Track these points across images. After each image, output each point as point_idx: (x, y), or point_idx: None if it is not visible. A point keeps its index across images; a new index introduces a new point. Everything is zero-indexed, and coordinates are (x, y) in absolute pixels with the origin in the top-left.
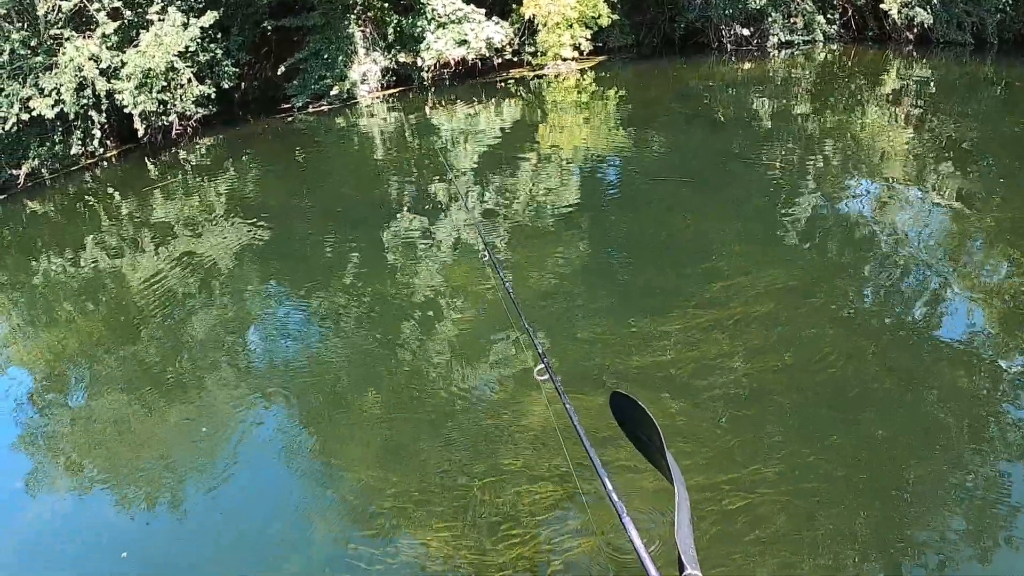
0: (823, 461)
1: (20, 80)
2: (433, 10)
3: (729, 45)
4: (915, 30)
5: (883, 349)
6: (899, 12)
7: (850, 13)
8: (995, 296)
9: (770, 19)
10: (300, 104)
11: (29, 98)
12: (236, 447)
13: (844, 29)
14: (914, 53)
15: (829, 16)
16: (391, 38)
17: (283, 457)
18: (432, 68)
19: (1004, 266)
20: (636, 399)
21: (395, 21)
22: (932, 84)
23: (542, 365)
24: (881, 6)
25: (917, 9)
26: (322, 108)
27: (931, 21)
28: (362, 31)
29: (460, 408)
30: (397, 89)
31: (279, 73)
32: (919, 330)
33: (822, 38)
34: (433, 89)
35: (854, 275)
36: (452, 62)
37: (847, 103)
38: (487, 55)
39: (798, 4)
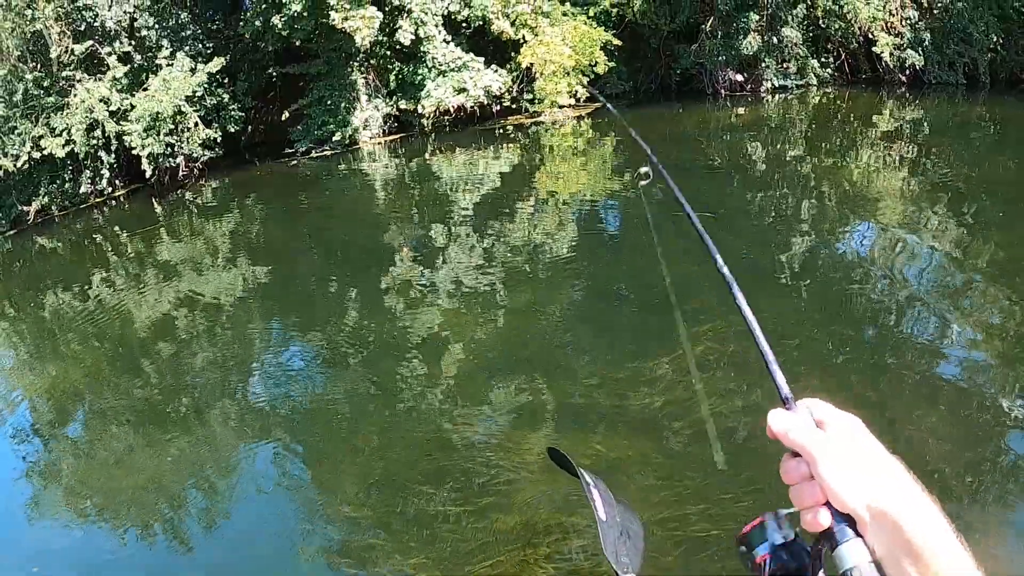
0: None
1: (32, 119)
2: (434, 59)
3: (723, 91)
4: (907, 72)
5: (874, 390)
6: (891, 55)
7: (843, 56)
8: (991, 336)
9: (763, 64)
10: (303, 149)
11: (41, 137)
12: (235, 482)
13: (837, 72)
14: (907, 94)
15: (822, 60)
16: (393, 85)
17: (281, 494)
18: (432, 115)
19: (1000, 307)
20: (566, 456)
21: (397, 69)
22: (925, 125)
23: None
24: (874, 49)
25: (909, 51)
26: (325, 153)
27: (923, 63)
28: (365, 79)
29: (459, 448)
30: (398, 135)
31: (283, 118)
32: (913, 370)
33: (816, 81)
34: (433, 135)
35: (844, 317)
36: (451, 109)
37: (841, 145)
38: (486, 103)
39: (791, 49)
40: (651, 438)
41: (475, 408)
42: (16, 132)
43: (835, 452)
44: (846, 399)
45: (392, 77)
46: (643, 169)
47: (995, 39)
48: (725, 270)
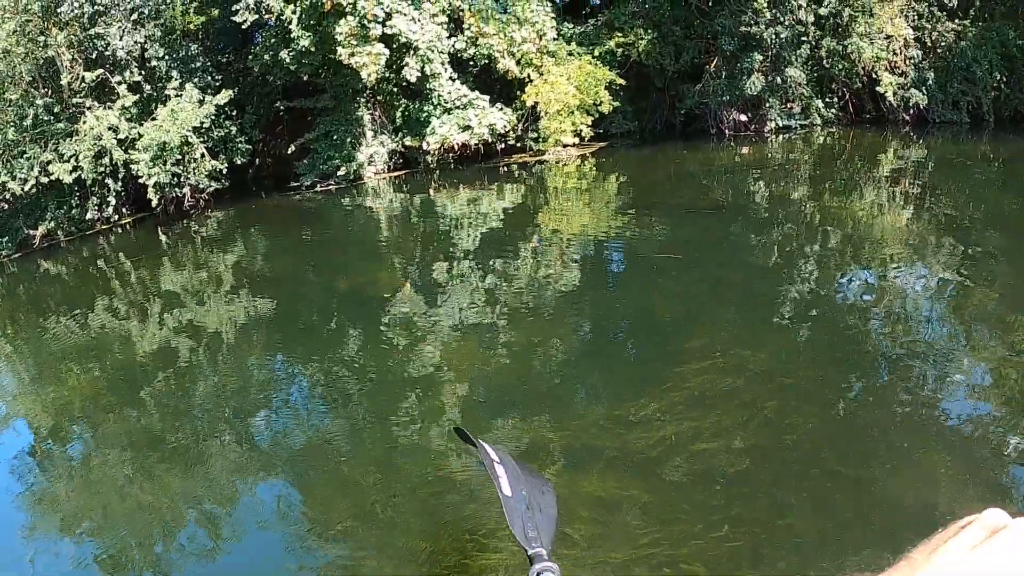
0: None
1: (41, 144)
2: (439, 96)
3: (728, 130)
4: (911, 111)
5: (877, 433)
6: (895, 94)
7: (847, 96)
8: (994, 382)
9: (767, 104)
10: (309, 183)
11: (49, 162)
12: (232, 514)
13: (842, 112)
14: (911, 133)
15: (827, 100)
16: (398, 122)
17: (277, 527)
18: (437, 152)
19: (1006, 346)
20: (467, 432)
21: (403, 106)
22: (930, 164)
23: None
24: (877, 88)
25: (912, 91)
26: (330, 187)
27: (926, 102)
28: (371, 114)
29: (457, 486)
30: (403, 171)
31: (290, 152)
32: (915, 414)
33: (820, 121)
34: (437, 172)
35: (846, 358)
36: (456, 146)
37: (845, 185)
38: (490, 140)
39: (795, 89)
40: (646, 478)
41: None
42: (25, 156)
43: None
44: (842, 443)
45: (398, 113)
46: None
47: (999, 77)
48: None
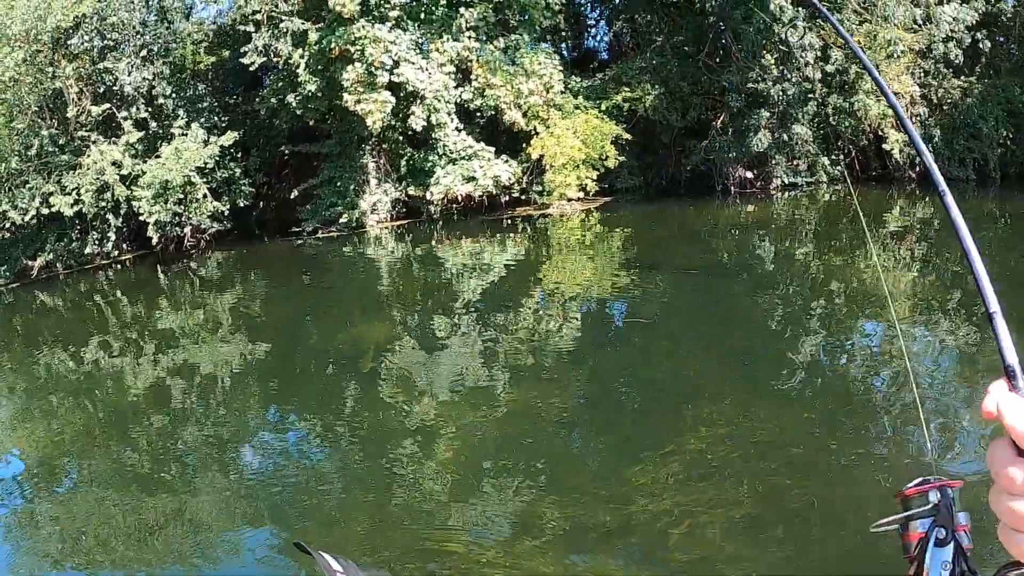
0: None
1: (44, 176)
2: (444, 146)
3: (733, 187)
4: (917, 168)
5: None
6: (901, 151)
7: (853, 154)
8: None
9: (773, 161)
10: (311, 228)
11: (51, 194)
12: (219, 559)
13: (848, 169)
14: (917, 191)
15: (833, 157)
16: (403, 171)
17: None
18: (441, 202)
19: None
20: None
21: (408, 155)
22: (935, 222)
23: None
24: (884, 146)
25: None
26: (332, 233)
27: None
28: (375, 162)
29: (450, 547)
30: (406, 220)
31: (293, 196)
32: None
33: (826, 178)
34: (441, 223)
35: (846, 426)
36: (460, 197)
37: (850, 243)
38: (494, 192)
39: (801, 146)
40: (648, 557)
41: (467, 506)
42: (27, 186)
43: None
44: (848, 507)
45: (403, 162)
46: None
47: (1005, 134)
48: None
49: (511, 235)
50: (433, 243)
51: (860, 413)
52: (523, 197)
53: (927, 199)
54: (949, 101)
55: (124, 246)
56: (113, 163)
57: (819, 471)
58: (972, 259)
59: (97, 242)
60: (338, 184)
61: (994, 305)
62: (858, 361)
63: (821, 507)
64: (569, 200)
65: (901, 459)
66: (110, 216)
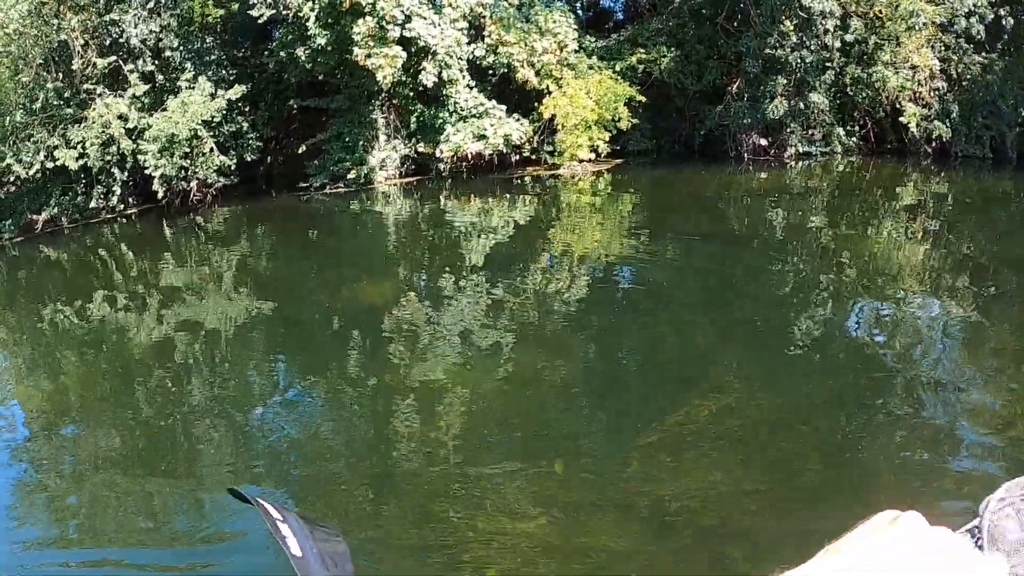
0: None
1: (49, 129)
2: (455, 103)
3: (747, 154)
4: (934, 143)
5: (878, 482)
6: (918, 125)
7: (869, 125)
8: (1004, 425)
9: (788, 130)
10: (318, 184)
11: (55, 148)
12: (221, 519)
13: (863, 141)
14: (932, 166)
15: (848, 128)
16: (413, 127)
17: (266, 536)
18: (450, 160)
19: (1019, 391)
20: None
21: (418, 111)
22: (949, 198)
23: None
24: (900, 119)
25: (936, 123)
26: (339, 189)
27: (950, 135)
28: (385, 118)
29: (454, 509)
30: (415, 177)
31: (301, 151)
32: (922, 462)
33: (840, 149)
34: (450, 180)
35: (853, 398)
36: (470, 155)
37: (863, 216)
38: (505, 151)
39: (817, 116)
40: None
41: (468, 472)
42: (32, 140)
43: None
44: (851, 480)
45: (412, 118)
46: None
47: (1023, 113)
48: None
49: (520, 195)
50: (442, 201)
51: (870, 388)
52: (534, 157)
53: (942, 174)
54: (968, 77)
55: (129, 200)
56: (119, 116)
57: (828, 446)
58: None
59: (102, 196)
60: (347, 140)
61: None
62: (868, 335)
63: (830, 482)
64: (580, 161)
65: (912, 437)
66: (115, 170)
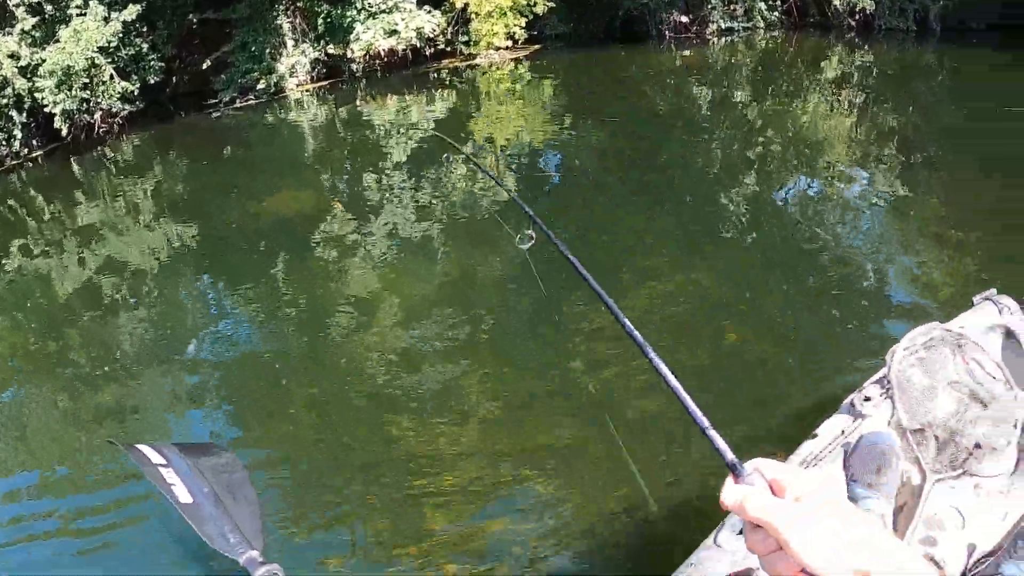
0: None
1: None
2: (363, 0)
3: (668, 33)
4: (857, 16)
5: (807, 354)
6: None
7: None
8: (931, 288)
9: (709, 6)
10: (227, 99)
11: None
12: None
13: (785, 15)
14: (856, 40)
15: (770, 2)
16: (321, 29)
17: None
18: (362, 59)
19: (943, 256)
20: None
21: (324, 12)
22: (874, 71)
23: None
24: None
25: None
26: (250, 102)
27: (873, 7)
28: (291, 22)
29: (401, 403)
30: (327, 81)
31: (206, 67)
32: (854, 324)
33: (763, 24)
34: (364, 81)
35: (785, 270)
36: (383, 53)
37: (788, 91)
38: (418, 46)
39: None
40: (598, 420)
41: (406, 390)
42: None
43: (801, 524)
44: (785, 351)
45: (319, 20)
46: (527, 231)
47: None
48: (635, 333)
49: (438, 89)
50: (357, 103)
51: (804, 264)
52: (449, 49)
53: (866, 47)
54: None
55: (33, 143)
56: (10, 55)
57: (768, 328)
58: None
59: (4, 142)
60: (252, 49)
61: (706, 422)
62: (800, 211)
63: (775, 359)
64: (497, 49)
65: (846, 310)
66: (13, 112)
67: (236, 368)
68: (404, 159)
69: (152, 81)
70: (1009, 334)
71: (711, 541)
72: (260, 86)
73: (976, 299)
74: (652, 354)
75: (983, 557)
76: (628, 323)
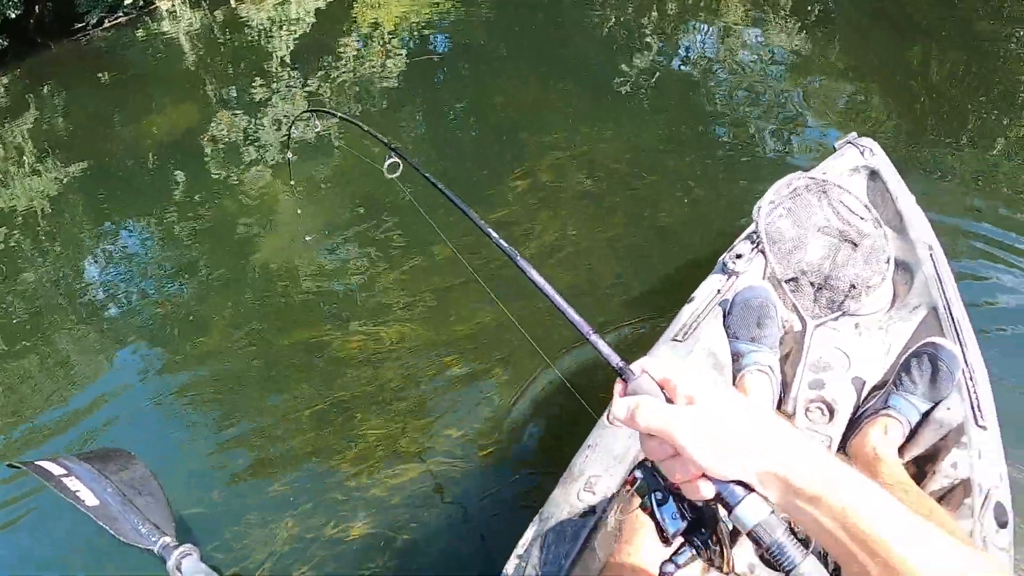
0: None
1: None
2: None
3: None
4: None
5: (693, 220)
6: None
7: None
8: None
9: None
10: (95, 20)
11: None
12: (96, 393)
13: None
14: None
15: None
16: None
17: (143, 396)
18: None
19: (842, 101)
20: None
21: None
22: None
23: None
24: None
25: None
26: (119, 20)
27: None
28: None
29: (319, 302)
30: None
31: None
32: (759, 157)
33: None
34: None
35: (689, 118)
36: None
37: None
38: None
39: None
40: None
41: (312, 262)
42: None
43: (697, 429)
44: (691, 200)
45: None
46: (389, 161)
47: None
48: (503, 243)
49: None
50: (232, 4)
51: (707, 123)
52: None
53: None
54: None
55: None
56: None
57: (675, 189)
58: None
59: None
60: None
61: (587, 327)
62: (700, 70)
63: (665, 232)
64: None
65: (746, 166)
66: None
67: (149, 301)
68: (289, 57)
69: (12, 15)
70: (873, 175)
71: (605, 419)
72: (128, 1)
73: (838, 144)
74: (523, 263)
75: (871, 392)
76: (495, 235)
